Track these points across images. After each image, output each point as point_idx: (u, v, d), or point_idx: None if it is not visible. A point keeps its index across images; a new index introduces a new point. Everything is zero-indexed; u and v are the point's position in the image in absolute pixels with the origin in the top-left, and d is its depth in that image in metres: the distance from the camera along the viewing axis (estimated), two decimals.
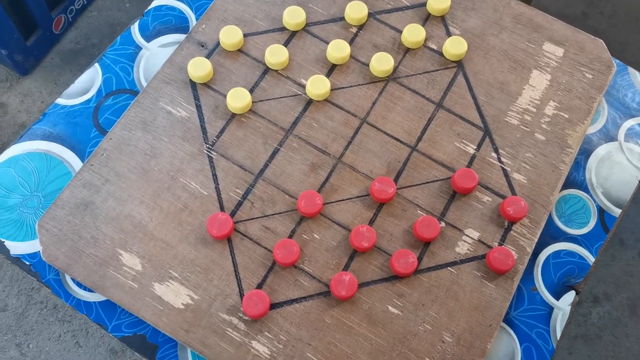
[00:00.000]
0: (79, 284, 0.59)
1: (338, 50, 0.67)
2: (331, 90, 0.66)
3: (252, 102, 0.65)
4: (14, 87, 1.41)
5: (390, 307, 0.58)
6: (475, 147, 0.65)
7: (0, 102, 1.39)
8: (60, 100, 0.65)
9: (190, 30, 0.69)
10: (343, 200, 0.62)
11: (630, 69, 0.73)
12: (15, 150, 0.63)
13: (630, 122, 0.70)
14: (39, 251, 0.59)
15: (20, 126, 1.37)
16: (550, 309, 0.61)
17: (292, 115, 0.65)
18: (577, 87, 0.68)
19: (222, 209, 0.60)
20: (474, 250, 0.61)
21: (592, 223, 0.65)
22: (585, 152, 0.69)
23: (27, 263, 0.59)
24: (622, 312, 1.32)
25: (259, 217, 0.60)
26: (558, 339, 0.60)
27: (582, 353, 1.29)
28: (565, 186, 0.67)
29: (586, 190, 0.67)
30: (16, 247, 0.59)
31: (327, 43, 0.69)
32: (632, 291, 1.34)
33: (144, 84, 0.67)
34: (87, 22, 1.49)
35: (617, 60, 0.73)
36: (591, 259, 0.64)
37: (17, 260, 0.59)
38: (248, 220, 0.60)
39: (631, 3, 1.68)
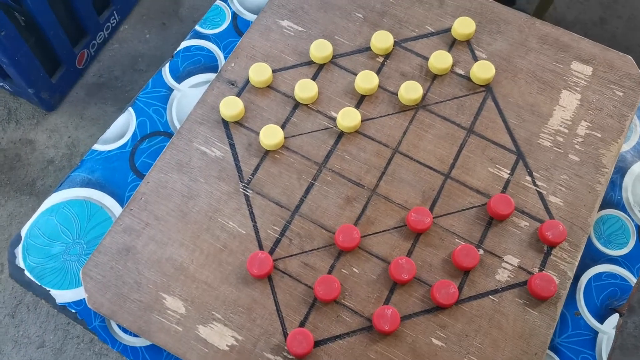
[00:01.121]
0: (124, 330, 0.59)
1: (366, 81, 0.67)
2: (362, 121, 0.67)
3: (285, 137, 0.65)
4: (41, 124, 1.43)
5: (434, 340, 0.58)
6: (509, 172, 0.65)
7: (28, 139, 1.42)
8: (97, 147, 0.67)
9: (219, 69, 0.70)
10: (380, 232, 0.62)
11: None
12: (55, 198, 0.64)
13: None
14: (84, 299, 0.60)
15: (49, 162, 1.40)
16: (595, 333, 0.61)
17: (325, 148, 0.65)
18: (608, 106, 0.68)
19: (260, 247, 0.61)
20: (515, 277, 0.60)
21: (632, 243, 0.65)
22: (620, 170, 0.68)
23: (73, 311, 0.60)
24: None
25: (298, 254, 0.61)
26: None
27: None
28: (602, 206, 0.66)
29: (623, 209, 0.66)
30: (62, 296, 0.60)
31: (355, 74, 0.69)
32: None
33: (177, 125, 0.68)
34: (109, 55, 1.52)
35: None
36: (633, 279, 0.63)
37: (63, 308, 0.60)
38: (287, 257, 0.60)
39: None
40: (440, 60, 0.69)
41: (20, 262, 0.61)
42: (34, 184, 1.38)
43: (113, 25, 1.51)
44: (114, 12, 1.49)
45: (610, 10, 1.66)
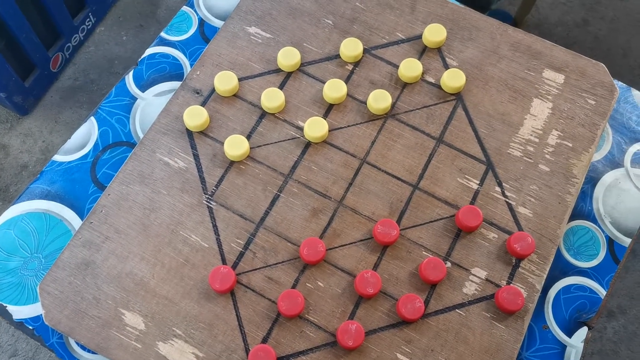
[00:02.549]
0: (82, 347, 0.58)
1: (334, 90, 0.66)
2: (329, 131, 0.65)
3: (250, 148, 0.64)
4: (15, 128, 1.41)
5: (399, 355, 0.57)
6: (478, 182, 0.64)
7: (1, 143, 1.39)
8: (57, 157, 0.65)
9: (184, 77, 0.68)
10: (346, 245, 0.61)
11: (634, 91, 0.72)
12: (14, 211, 0.62)
13: (636, 147, 0.69)
14: (41, 314, 0.58)
15: (23, 167, 1.37)
16: (563, 347, 0.60)
17: (291, 159, 0.64)
18: (580, 114, 0.67)
19: (223, 261, 0.59)
20: (482, 290, 0.59)
21: (602, 254, 0.64)
22: (591, 180, 0.67)
23: (30, 327, 0.58)
24: (638, 325, 1.30)
25: (262, 268, 0.59)
26: None
27: None
28: (572, 217, 0.65)
29: (594, 220, 0.65)
30: (19, 312, 0.59)
31: (323, 82, 0.68)
32: None
33: (141, 135, 0.67)
34: (84, 57, 1.49)
35: (620, 83, 0.72)
36: (602, 292, 0.62)
37: (20, 325, 0.58)
38: (250, 271, 0.59)
39: (632, 7, 1.66)
40: (410, 68, 0.68)
41: None
42: (7, 189, 1.36)
43: (88, 27, 1.49)
44: (89, 14, 1.47)
45: (593, 12, 1.66)
